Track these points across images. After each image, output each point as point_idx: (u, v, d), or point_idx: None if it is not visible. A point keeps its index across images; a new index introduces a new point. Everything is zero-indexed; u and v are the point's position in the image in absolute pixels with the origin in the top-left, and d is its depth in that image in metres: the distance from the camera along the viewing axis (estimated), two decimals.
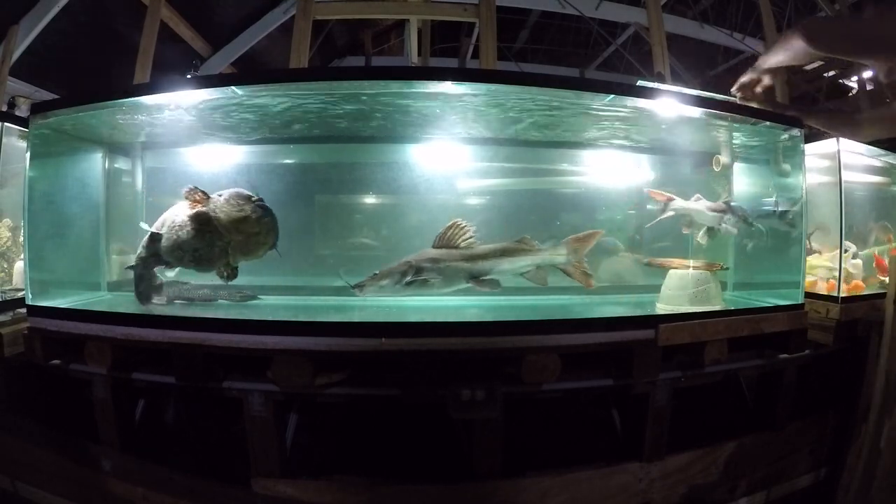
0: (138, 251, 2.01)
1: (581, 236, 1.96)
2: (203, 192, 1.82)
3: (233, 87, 1.77)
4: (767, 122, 2.15)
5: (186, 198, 1.83)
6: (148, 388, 1.91)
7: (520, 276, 1.95)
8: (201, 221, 1.82)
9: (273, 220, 1.85)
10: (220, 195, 1.83)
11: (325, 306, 2.20)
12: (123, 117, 2.10)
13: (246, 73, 5.07)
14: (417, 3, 4.24)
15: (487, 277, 1.85)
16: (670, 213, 2.28)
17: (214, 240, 1.82)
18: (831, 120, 1.96)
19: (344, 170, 2.61)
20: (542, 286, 1.97)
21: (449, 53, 8.28)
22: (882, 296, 2.13)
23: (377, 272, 1.87)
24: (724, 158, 2.25)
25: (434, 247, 1.91)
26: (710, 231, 2.24)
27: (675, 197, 2.27)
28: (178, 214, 1.88)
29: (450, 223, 1.90)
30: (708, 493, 1.98)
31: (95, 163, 2.41)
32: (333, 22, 6.16)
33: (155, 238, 1.93)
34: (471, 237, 1.90)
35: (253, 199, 1.82)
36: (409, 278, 1.81)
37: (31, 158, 1.97)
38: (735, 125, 2.14)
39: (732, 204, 2.23)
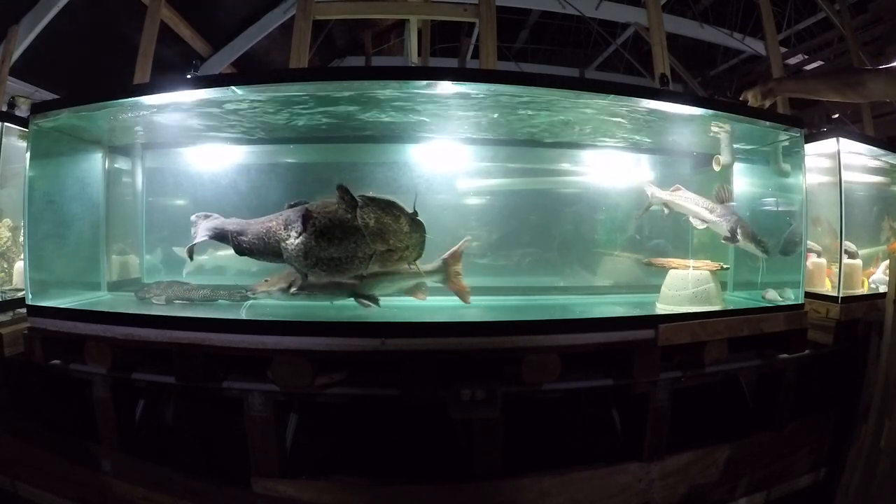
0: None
1: (453, 251, 1.98)
2: (352, 195, 1.64)
3: (233, 87, 1.77)
4: (767, 123, 2.16)
5: (341, 197, 1.64)
6: (148, 388, 1.91)
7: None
8: (347, 230, 1.63)
9: (423, 237, 1.74)
10: (369, 201, 1.66)
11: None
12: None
13: (246, 72, 5.06)
14: (417, 3, 4.24)
15: (368, 294, 1.88)
16: (653, 203, 2.35)
17: (357, 250, 1.66)
18: (837, 80, 1.95)
19: (343, 169, 2.61)
20: (422, 301, 1.98)
21: (449, 53, 8.28)
22: (882, 296, 2.13)
23: (269, 277, 1.89)
24: (724, 158, 2.24)
25: None
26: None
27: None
28: (318, 217, 1.67)
29: None
30: (708, 493, 1.98)
31: (95, 162, 2.41)
32: (333, 22, 6.16)
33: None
34: None
35: (409, 211, 1.70)
36: (294, 289, 1.83)
37: (31, 158, 1.97)
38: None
39: (735, 210, 2.21)
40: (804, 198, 2.15)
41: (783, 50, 5.62)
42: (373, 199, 1.65)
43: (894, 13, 5.37)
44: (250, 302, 1.96)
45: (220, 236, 1.85)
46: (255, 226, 1.78)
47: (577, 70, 8.68)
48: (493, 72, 2.59)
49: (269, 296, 1.89)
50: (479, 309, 2.11)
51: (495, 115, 2.12)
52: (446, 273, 1.97)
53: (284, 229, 1.68)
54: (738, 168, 2.42)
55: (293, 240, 1.65)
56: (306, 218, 1.65)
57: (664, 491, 1.90)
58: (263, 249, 1.76)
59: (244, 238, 1.78)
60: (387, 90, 1.80)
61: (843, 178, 2.21)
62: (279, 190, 2.37)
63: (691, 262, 2.13)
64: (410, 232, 1.68)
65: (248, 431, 1.73)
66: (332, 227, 1.63)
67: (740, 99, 2.10)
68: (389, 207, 1.66)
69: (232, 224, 1.84)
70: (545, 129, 2.32)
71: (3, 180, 2.29)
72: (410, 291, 1.98)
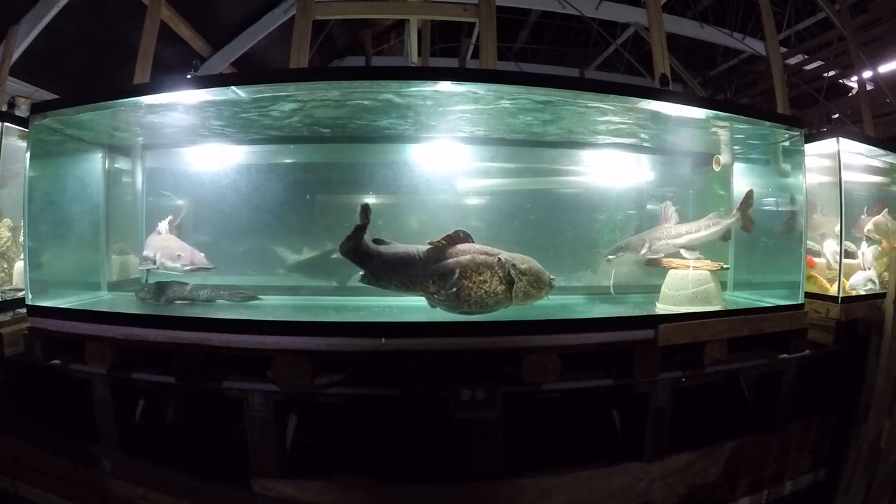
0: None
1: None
2: (508, 272, 1.80)
3: (233, 87, 1.77)
4: (768, 123, 2.16)
5: (498, 269, 1.80)
6: (148, 388, 1.91)
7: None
8: (499, 299, 1.80)
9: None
10: (523, 273, 1.80)
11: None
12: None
13: (246, 72, 5.06)
14: (417, 3, 4.23)
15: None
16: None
17: (494, 301, 1.80)
18: None
19: (344, 170, 2.61)
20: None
21: (449, 53, 8.26)
22: (882, 296, 2.14)
23: None
24: (723, 158, 2.24)
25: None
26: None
27: None
28: (480, 268, 1.79)
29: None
30: (708, 493, 1.98)
31: (95, 162, 2.41)
32: (333, 22, 6.16)
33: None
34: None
35: (550, 283, 1.88)
36: None
37: (30, 158, 1.97)
38: None
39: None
40: (804, 197, 2.15)
41: (783, 50, 5.61)
42: (526, 273, 1.81)
43: (894, 13, 5.37)
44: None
45: (359, 260, 1.88)
46: (401, 269, 1.84)
47: (577, 70, 8.68)
48: (493, 72, 2.58)
49: None
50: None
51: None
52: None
53: (433, 284, 1.80)
54: (737, 167, 2.43)
55: (441, 293, 1.79)
56: (475, 266, 1.80)
57: (664, 491, 1.90)
58: (398, 287, 1.87)
59: (384, 276, 1.85)
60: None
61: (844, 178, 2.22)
62: (279, 189, 2.38)
63: (691, 262, 2.12)
64: (539, 297, 1.87)
65: (248, 431, 1.73)
66: (486, 297, 1.79)
67: None
68: (538, 282, 1.84)
69: (378, 255, 1.86)
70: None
71: (2, 180, 2.29)
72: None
